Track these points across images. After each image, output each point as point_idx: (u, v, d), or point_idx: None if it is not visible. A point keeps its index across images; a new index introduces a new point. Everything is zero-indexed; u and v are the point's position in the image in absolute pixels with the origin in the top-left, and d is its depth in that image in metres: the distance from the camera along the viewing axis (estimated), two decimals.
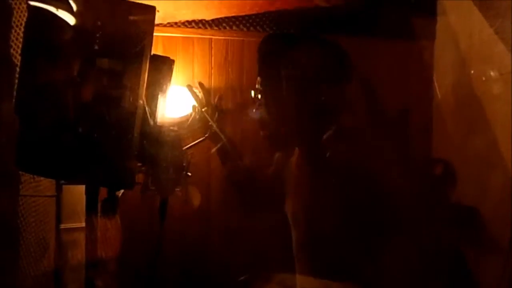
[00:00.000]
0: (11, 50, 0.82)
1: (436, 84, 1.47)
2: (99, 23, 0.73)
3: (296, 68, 1.04)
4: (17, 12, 0.83)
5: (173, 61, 0.88)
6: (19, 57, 0.77)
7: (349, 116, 1.12)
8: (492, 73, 1.16)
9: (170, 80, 0.87)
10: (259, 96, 1.10)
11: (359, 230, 0.97)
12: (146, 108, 0.78)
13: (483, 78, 1.19)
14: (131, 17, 0.75)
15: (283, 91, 1.06)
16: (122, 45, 0.75)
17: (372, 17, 1.45)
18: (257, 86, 1.11)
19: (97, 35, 0.73)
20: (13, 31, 0.82)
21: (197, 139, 1.24)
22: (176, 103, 1.45)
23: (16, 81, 0.75)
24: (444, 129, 1.49)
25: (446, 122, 1.48)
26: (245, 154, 1.36)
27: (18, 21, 0.83)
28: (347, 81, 1.09)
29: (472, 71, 1.26)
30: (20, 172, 0.88)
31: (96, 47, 0.74)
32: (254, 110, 1.12)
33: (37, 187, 0.99)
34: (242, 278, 1.22)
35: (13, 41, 0.82)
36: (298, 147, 1.15)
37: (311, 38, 1.13)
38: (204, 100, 1.35)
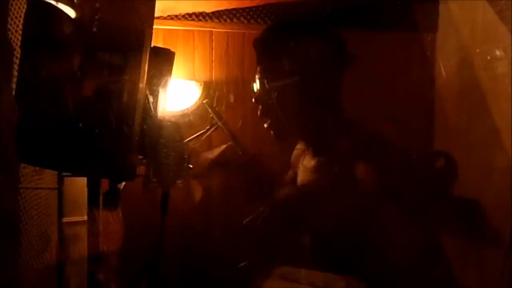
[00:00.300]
0: (11, 42, 0.81)
1: (439, 67, 1.46)
2: (98, 14, 0.73)
3: (295, 57, 1.04)
4: (16, 3, 0.83)
5: (173, 53, 0.88)
6: (18, 49, 0.76)
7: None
8: (497, 52, 1.14)
9: (170, 72, 0.87)
10: (259, 87, 1.10)
11: (361, 225, 0.97)
12: (147, 101, 0.78)
13: (488, 57, 1.18)
14: (131, 9, 0.75)
15: (283, 81, 1.06)
16: (121, 37, 0.74)
17: (373, 7, 1.44)
18: (257, 76, 1.10)
19: (97, 26, 0.73)
20: (12, 22, 0.82)
21: (198, 132, 1.24)
22: (176, 96, 1.44)
23: (16, 73, 0.75)
24: (446, 118, 1.49)
25: (448, 111, 1.47)
26: (248, 147, 1.35)
27: (18, 12, 0.83)
28: (346, 69, 1.09)
29: (478, 50, 1.24)
30: (22, 165, 0.88)
31: (96, 39, 0.73)
32: (253, 100, 1.11)
33: (38, 180, 0.99)
34: (243, 264, 1.22)
35: (12, 32, 0.82)
36: (302, 138, 1.15)
37: (310, 27, 1.12)
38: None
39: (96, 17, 0.73)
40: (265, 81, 1.08)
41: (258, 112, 1.11)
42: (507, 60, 1.12)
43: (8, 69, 0.77)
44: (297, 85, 1.04)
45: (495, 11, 1.14)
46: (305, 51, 1.04)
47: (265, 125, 1.11)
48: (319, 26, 1.10)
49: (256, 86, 1.11)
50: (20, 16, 0.82)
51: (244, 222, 1.22)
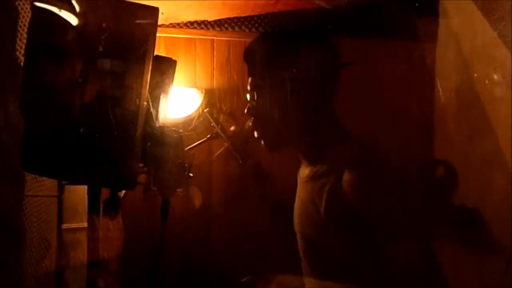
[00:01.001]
0: (17, 52, 0.82)
1: (438, 86, 1.47)
2: (102, 24, 0.74)
3: (287, 67, 1.04)
4: (21, 13, 0.84)
5: (175, 61, 0.88)
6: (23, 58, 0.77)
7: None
8: (495, 76, 1.15)
9: (172, 80, 0.88)
10: (251, 98, 1.10)
11: (358, 235, 0.96)
12: (150, 109, 0.78)
13: (486, 81, 1.19)
14: (134, 18, 0.76)
15: (274, 91, 1.05)
16: (125, 46, 0.75)
17: (373, 18, 1.45)
18: (248, 87, 1.10)
19: (100, 36, 0.73)
20: (18, 34, 0.82)
21: (199, 140, 1.24)
22: (178, 104, 1.45)
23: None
24: (446, 131, 1.49)
25: (448, 124, 1.48)
26: (248, 155, 1.35)
27: (22, 22, 0.84)
28: (338, 79, 1.08)
29: (476, 74, 1.25)
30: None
31: (99, 48, 0.74)
32: (245, 111, 1.11)
33: (39, 187, 0.99)
34: (244, 279, 1.22)
35: (17, 43, 0.82)
36: (295, 148, 1.14)
37: (302, 37, 1.12)
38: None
39: (99, 25, 0.74)
40: (256, 93, 1.08)
41: (250, 123, 1.10)
42: (506, 84, 1.13)
43: (14, 77, 0.77)
44: (290, 95, 1.04)
45: (496, 33, 1.15)
46: (297, 60, 1.04)
47: (256, 135, 1.10)
48: (310, 34, 1.10)
49: (248, 97, 1.10)
50: (25, 25, 0.83)
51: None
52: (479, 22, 1.23)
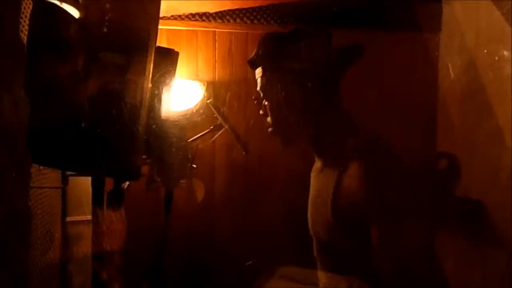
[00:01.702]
0: (24, 43, 0.81)
1: (442, 70, 1.45)
2: (103, 15, 0.73)
3: (294, 63, 1.04)
4: (25, 2, 0.83)
5: (177, 53, 0.88)
6: None
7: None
8: (505, 53, 1.14)
9: (174, 72, 0.87)
10: (262, 98, 1.10)
11: (364, 226, 0.96)
12: (153, 101, 0.78)
13: (496, 58, 1.17)
14: (136, 9, 0.75)
15: (283, 90, 1.06)
16: (127, 37, 0.75)
17: (375, 8, 1.44)
18: (258, 88, 1.10)
19: (102, 27, 0.73)
20: (23, 23, 0.82)
21: (202, 132, 1.24)
22: (180, 96, 1.45)
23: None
24: (449, 120, 1.48)
25: (451, 114, 1.47)
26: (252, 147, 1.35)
27: (25, 15, 0.83)
28: (344, 72, 1.08)
29: (485, 51, 1.23)
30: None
31: (101, 40, 0.73)
32: (260, 112, 1.11)
33: (43, 179, 0.99)
34: (249, 262, 1.22)
35: (24, 34, 0.82)
36: (308, 144, 1.14)
37: (305, 32, 1.12)
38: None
39: (101, 17, 0.73)
40: (266, 93, 1.08)
41: (261, 111, 1.11)
42: None
43: (21, 69, 0.77)
44: (298, 91, 1.04)
45: (501, 12, 1.14)
46: (301, 56, 1.04)
47: (270, 130, 1.10)
48: (314, 30, 1.10)
49: (259, 86, 1.10)
50: (26, 16, 0.82)
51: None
52: (483, 4, 1.22)
